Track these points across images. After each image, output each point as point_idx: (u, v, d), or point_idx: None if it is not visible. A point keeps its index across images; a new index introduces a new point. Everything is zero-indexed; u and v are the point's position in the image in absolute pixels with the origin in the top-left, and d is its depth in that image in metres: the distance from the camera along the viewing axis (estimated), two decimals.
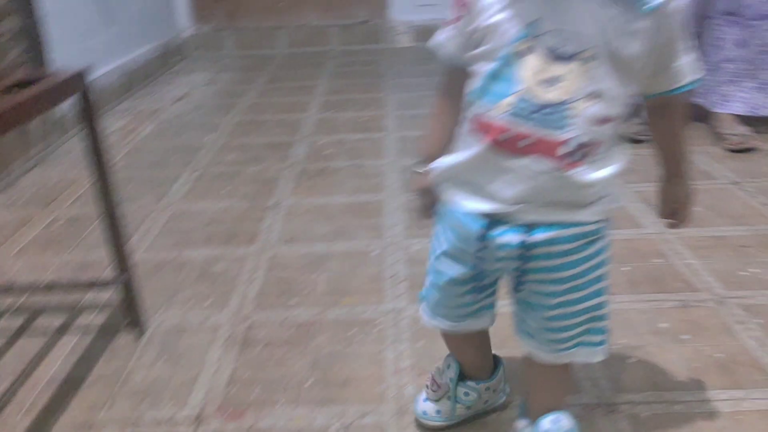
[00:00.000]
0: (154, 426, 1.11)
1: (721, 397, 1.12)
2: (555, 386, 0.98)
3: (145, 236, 1.78)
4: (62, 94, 1.11)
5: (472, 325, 0.97)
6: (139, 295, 1.36)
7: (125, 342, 1.34)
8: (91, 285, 1.44)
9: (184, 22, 4.07)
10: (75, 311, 1.45)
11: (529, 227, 0.82)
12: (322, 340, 1.32)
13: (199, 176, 2.18)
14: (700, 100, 2.30)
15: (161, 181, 2.14)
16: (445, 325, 0.97)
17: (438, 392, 1.06)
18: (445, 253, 0.91)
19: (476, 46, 0.81)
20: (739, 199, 1.85)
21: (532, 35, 0.76)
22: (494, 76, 0.79)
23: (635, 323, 1.33)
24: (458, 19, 0.84)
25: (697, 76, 0.84)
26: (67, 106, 2.48)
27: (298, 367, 1.24)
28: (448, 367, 1.07)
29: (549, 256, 0.83)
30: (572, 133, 0.77)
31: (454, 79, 0.88)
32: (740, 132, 2.21)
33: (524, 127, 0.77)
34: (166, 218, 1.88)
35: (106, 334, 1.37)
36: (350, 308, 1.42)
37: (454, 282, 0.91)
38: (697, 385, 1.15)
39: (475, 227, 0.84)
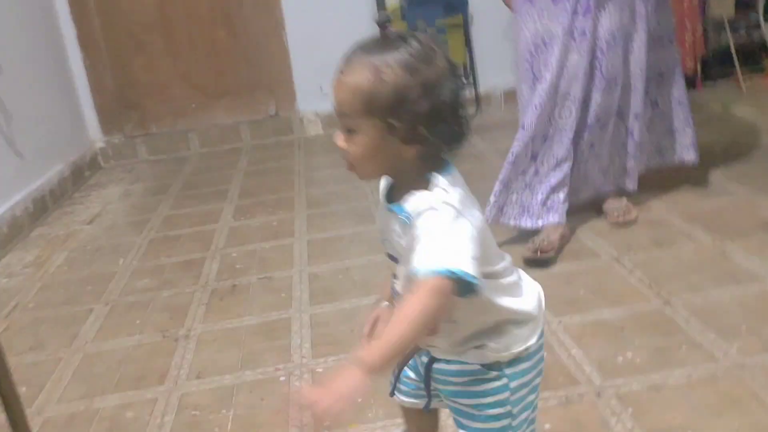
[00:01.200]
0: None
1: None
2: None
3: (56, 386, 1.80)
4: None
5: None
6: None
7: None
8: None
9: (95, 134, 4.12)
10: None
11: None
12: None
13: (110, 310, 2.21)
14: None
15: (73, 320, 2.17)
16: None
17: None
18: None
19: None
20: (618, 277, 2.01)
21: (382, 240, 0.99)
22: None
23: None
24: None
25: (429, 268, 0.83)
26: None
27: None
28: None
29: (445, 382, 1.02)
30: None
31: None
32: (621, 206, 2.39)
33: None
34: (77, 363, 1.91)
35: None
36: None
37: None
38: None
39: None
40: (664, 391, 1.48)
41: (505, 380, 0.97)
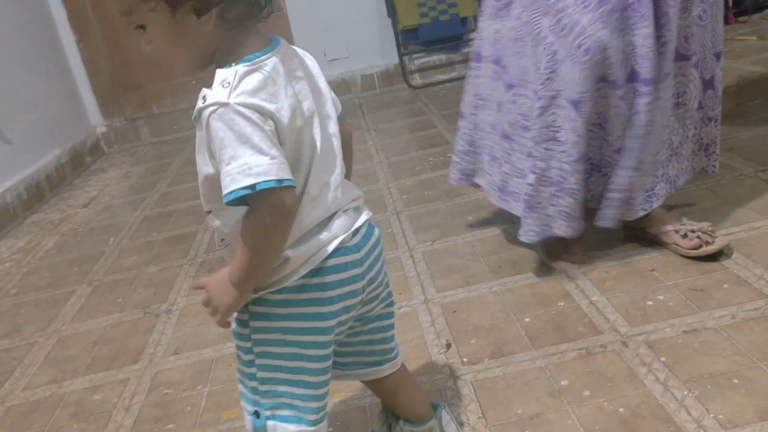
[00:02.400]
0: None
1: None
2: None
3: (25, 371, 1.64)
4: None
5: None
6: None
7: None
8: None
9: (95, 118, 3.98)
10: None
11: None
12: None
13: (93, 289, 2.05)
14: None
15: (53, 303, 2.01)
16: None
17: None
18: None
19: None
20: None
21: None
22: None
23: (533, 386, 1.21)
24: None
25: (230, 189, 0.77)
26: None
27: None
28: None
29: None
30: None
31: None
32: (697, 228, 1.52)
33: None
34: (51, 346, 1.75)
35: None
36: (230, 424, 1.29)
37: None
38: None
39: None
40: (703, 335, 1.25)
41: (246, 322, 0.92)
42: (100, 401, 1.46)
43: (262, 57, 0.81)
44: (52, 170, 3.30)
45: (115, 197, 3.04)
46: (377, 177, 2.52)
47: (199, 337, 1.64)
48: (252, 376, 0.90)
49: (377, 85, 4.09)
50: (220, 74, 0.80)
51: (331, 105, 0.90)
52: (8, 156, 2.98)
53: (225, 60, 0.82)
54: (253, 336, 0.89)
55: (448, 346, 1.38)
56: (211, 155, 0.81)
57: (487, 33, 1.63)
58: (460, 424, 1.15)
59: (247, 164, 0.76)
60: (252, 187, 0.76)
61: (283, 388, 0.89)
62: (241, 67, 0.79)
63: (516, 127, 1.57)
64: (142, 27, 0.82)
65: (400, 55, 4.00)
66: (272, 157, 0.77)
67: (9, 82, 3.11)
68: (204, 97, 0.79)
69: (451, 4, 3.87)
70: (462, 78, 3.97)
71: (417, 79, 4.06)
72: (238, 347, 0.92)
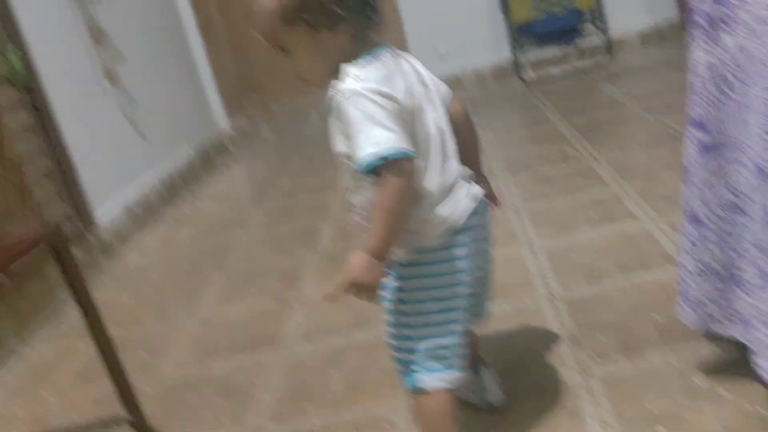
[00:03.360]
0: None
1: None
2: None
3: (172, 353, 1.80)
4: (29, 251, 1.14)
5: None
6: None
7: None
8: (106, 425, 1.46)
9: (220, 117, 4.22)
10: None
11: None
12: None
13: (228, 278, 2.20)
14: None
15: (193, 290, 2.18)
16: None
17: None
18: None
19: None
20: None
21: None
22: None
23: (666, 383, 1.21)
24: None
25: (361, 159, 0.93)
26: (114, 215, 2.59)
27: None
28: None
29: None
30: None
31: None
32: None
33: None
34: (194, 330, 1.90)
35: None
36: (363, 407, 1.37)
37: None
38: None
39: None
40: None
41: (399, 280, 1.06)
42: (242, 382, 1.58)
43: (379, 53, 0.99)
44: (184, 166, 3.54)
45: (241, 191, 3.23)
46: (495, 173, 2.54)
47: (329, 325, 1.73)
48: (407, 337, 1.04)
49: (490, 81, 4.09)
50: (347, 68, 0.96)
51: (435, 91, 1.05)
52: (146, 153, 3.22)
53: (350, 60, 0.98)
54: (406, 297, 1.04)
55: (575, 341, 1.39)
56: (346, 136, 0.96)
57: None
58: (592, 419, 1.17)
59: (376, 139, 0.92)
60: (383, 158, 0.91)
61: (434, 342, 1.03)
62: (364, 61, 0.97)
63: None
64: (288, 51, 0.99)
65: (513, 50, 3.98)
66: (396, 133, 0.93)
67: (147, 86, 3.36)
68: (337, 87, 0.96)
69: None
70: (578, 72, 3.91)
71: (530, 74, 4.03)
72: (390, 311, 1.06)
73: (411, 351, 1.04)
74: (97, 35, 2.87)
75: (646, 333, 1.37)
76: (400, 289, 1.05)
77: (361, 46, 0.99)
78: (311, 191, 2.90)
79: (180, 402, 1.56)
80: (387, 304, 1.07)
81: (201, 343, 1.82)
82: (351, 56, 0.98)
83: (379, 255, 0.96)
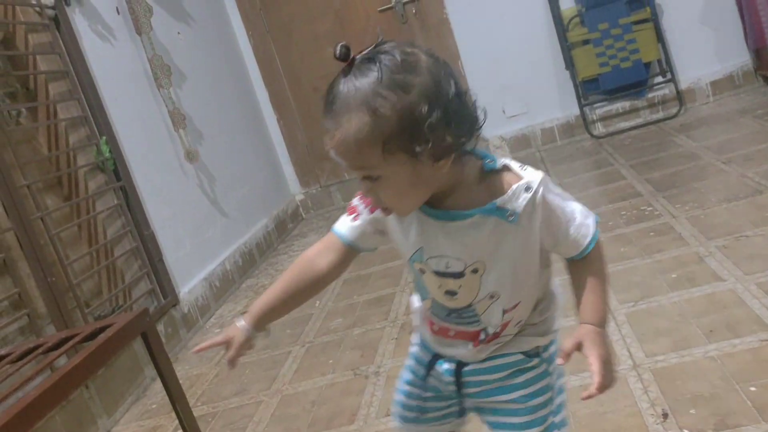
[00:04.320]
0: None
1: None
2: None
3: (255, 428, 1.82)
4: (123, 342, 1.19)
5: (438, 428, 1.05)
6: None
7: None
8: None
9: (294, 187, 4.35)
10: None
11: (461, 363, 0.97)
12: None
13: (306, 351, 2.23)
14: None
15: (273, 363, 2.21)
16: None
17: None
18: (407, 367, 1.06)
19: (382, 234, 0.95)
20: None
21: (418, 260, 0.89)
22: (414, 278, 0.95)
23: None
24: (357, 216, 0.95)
25: (592, 234, 0.89)
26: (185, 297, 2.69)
27: None
28: None
29: (479, 383, 0.96)
30: (482, 326, 0.92)
31: (340, 253, 0.98)
32: None
33: (445, 323, 0.94)
34: (275, 405, 1.93)
35: None
36: None
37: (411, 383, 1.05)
38: None
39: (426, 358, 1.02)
40: None
41: (545, 366, 0.95)
42: None
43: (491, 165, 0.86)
44: (261, 238, 3.64)
45: None
46: None
47: None
48: (554, 411, 0.97)
49: (558, 138, 4.08)
50: (508, 169, 0.85)
51: None
52: (226, 228, 3.34)
53: (445, 187, 0.85)
54: (554, 370, 0.98)
55: (665, 416, 1.34)
56: (551, 227, 0.86)
57: None
58: None
59: (584, 209, 0.89)
60: (597, 227, 0.90)
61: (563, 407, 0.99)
62: (504, 161, 0.86)
63: None
64: (375, 179, 0.80)
65: (581, 106, 3.97)
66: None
67: (226, 161, 3.51)
68: (527, 188, 0.83)
69: (633, 50, 3.80)
70: (649, 124, 3.84)
71: (599, 129, 3.99)
72: (539, 391, 0.95)
73: (560, 423, 0.97)
74: (178, 120, 3.04)
75: (740, 407, 1.30)
76: (544, 377, 0.95)
77: (459, 168, 0.83)
78: (385, 258, 2.93)
79: None
80: (516, 404, 0.95)
81: (282, 419, 1.84)
82: (454, 177, 0.83)
83: (605, 326, 0.91)
